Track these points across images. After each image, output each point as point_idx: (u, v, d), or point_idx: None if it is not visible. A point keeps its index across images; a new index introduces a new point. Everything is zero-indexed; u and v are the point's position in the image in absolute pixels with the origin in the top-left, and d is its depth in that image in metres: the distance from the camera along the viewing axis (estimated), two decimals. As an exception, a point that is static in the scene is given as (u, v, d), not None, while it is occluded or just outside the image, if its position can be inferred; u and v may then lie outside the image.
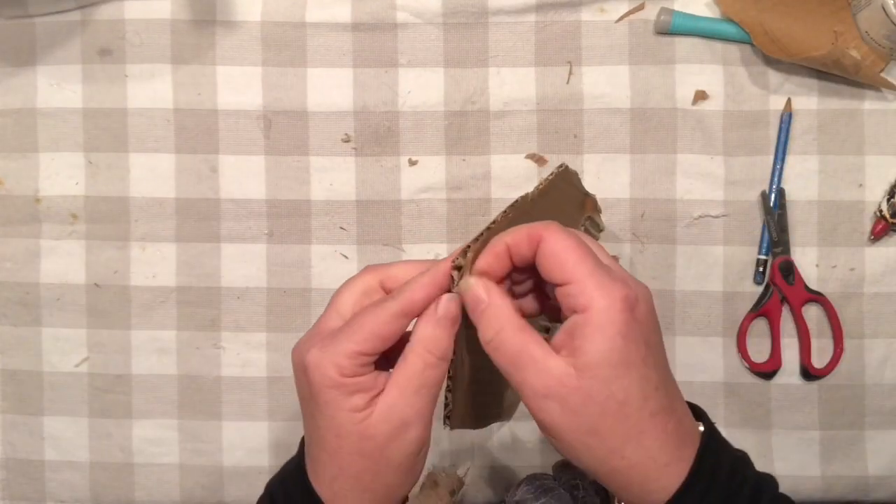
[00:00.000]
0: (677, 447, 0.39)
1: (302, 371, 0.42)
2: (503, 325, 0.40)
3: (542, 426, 0.39)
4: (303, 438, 0.45)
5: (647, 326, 0.40)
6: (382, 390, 0.41)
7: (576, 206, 0.58)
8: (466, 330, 0.45)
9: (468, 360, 0.47)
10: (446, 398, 0.45)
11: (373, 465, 0.41)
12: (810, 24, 0.60)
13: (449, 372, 0.43)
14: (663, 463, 0.39)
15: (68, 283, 0.64)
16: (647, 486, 0.39)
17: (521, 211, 0.46)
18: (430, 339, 0.41)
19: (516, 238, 0.41)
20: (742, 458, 0.42)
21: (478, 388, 0.50)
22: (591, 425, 0.38)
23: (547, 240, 0.40)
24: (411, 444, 0.41)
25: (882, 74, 0.61)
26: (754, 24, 0.60)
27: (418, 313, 0.41)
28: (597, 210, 0.60)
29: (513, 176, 0.63)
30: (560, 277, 0.39)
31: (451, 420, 0.46)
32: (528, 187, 0.62)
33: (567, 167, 0.55)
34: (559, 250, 0.39)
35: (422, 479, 0.55)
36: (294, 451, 0.64)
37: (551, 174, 0.52)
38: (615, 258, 0.45)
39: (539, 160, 0.63)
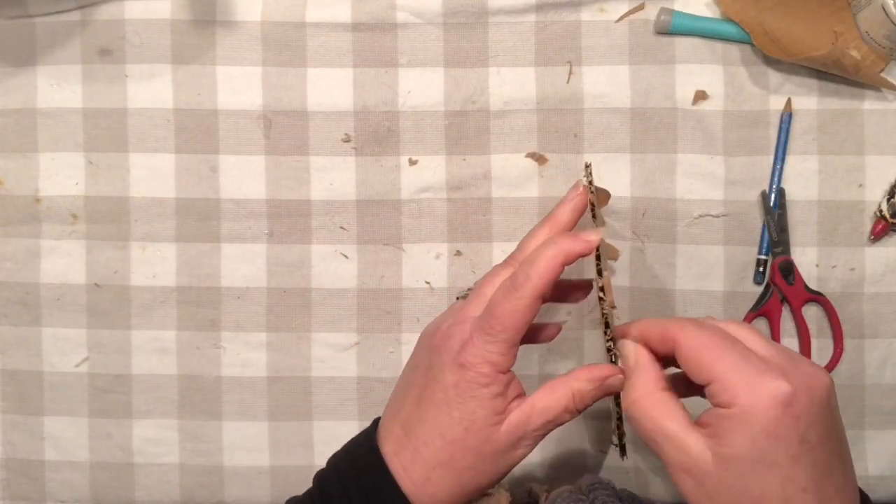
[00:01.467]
0: None
1: (453, 359, 0.44)
2: (641, 395, 0.42)
3: (680, 492, 0.40)
4: (376, 421, 0.47)
5: (805, 423, 0.38)
6: (516, 398, 0.44)
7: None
8: None
9: None
10: (618, 427, 0.48)
11: (480, 465, 0.44)
12: (810, 24, 0.60)
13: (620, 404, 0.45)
14: None
15: (68, 283, 0.64)
16: None
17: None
18: (581, 393, 0.44)
19: (649, 336, 0.43)
20: None
21: None
22: None
23: (681, 344, 0.41)
24: (518, 457, 0.44)
25: (882, 74, 0.61)
26: (754, 24, 0.61)
27: (546, 290, 0.44)
28: (607, 202, 0.60)
29: (513, 175, 0.63)
30: (701, 378, 0.40)
31: (624, 448, 0.48)
32: (529, 186, 0.63)
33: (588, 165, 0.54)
34: (695, 352, 0.40)
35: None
36: (293, 452, 0.65)
37: (588, 173, 0.52)
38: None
39: (539, 159, 0.63)
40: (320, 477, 0.47)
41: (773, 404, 0.37)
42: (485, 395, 0.43)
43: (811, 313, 0.62)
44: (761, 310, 0.62)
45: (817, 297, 0.62)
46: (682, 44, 0.62)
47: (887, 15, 0.58)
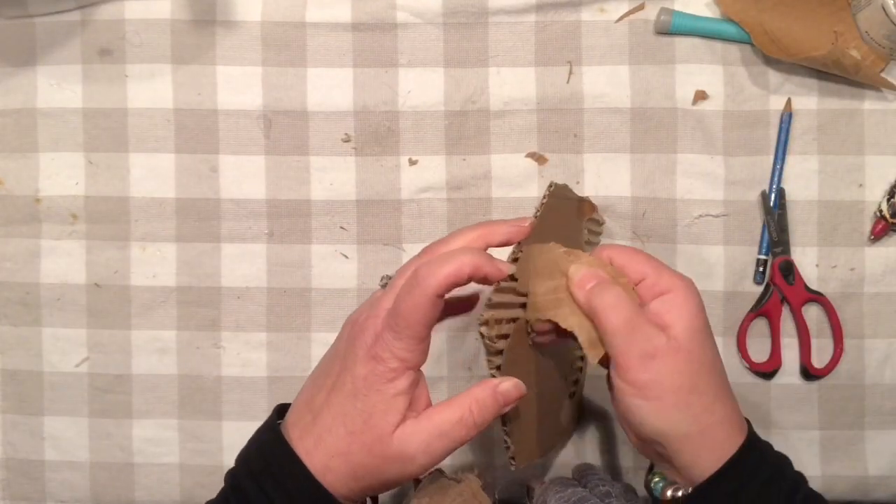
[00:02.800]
0: (741, 412, 0.46)
1: (369, 344, 0.44)
2: (621, 297, 0.45)
3: (645, 386, 0.44)
4: (280, 405, 0.48)
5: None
6: (421, 410, 0.45)
7: (573, 215, 0.59)
8: (539, 358, 0.50)
9: (535, 391, 0.50)
10: (505, 442, 0.48)
11: (375, 466, 0.44)
12: (810, 24, 0.60)
13: (506, 419, 0.47)
14: (737, 424, 0.45)
15: (68, 283, 0.64)
16: (727, 442, 0.44)
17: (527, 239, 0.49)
18: (479, 403, 0.44)
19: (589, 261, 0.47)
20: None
21: (542, 417, 0.53)
22: (692, 383, 0.44)
23: (614, 257, 0.47)
24: (414, 469, 0.44)
25: (882, 74, 0.61)
26: (754, 24, 0.61)
27: (445, 292, 0.44)
28: (594, 210, 0.61)
29: (513, 175, 0.63)
30: (634, 278, 0.46)
31: (515, 460, 0.49)
32: (529, 186, 0.63)
33: (556, 184, 0.55)
34: (627, 260, 0.47)
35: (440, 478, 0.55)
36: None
37: (544, 197, 0.52)
38: None
39: (539, 159, 0.63)
40: (231, 474, 0.46)
41: (693, 286, 0.46)
42: (388, 390, 0.43)
43: (811, 313, 0.62)
44: (761, 310, 0.62)
45: (817, 297, 0.62)
46: (682, 44, 0.62)
47: (887, 15, 0.58)
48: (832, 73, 0.61)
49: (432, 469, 0.50)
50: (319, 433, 0.44)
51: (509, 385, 0.45)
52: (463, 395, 0.44)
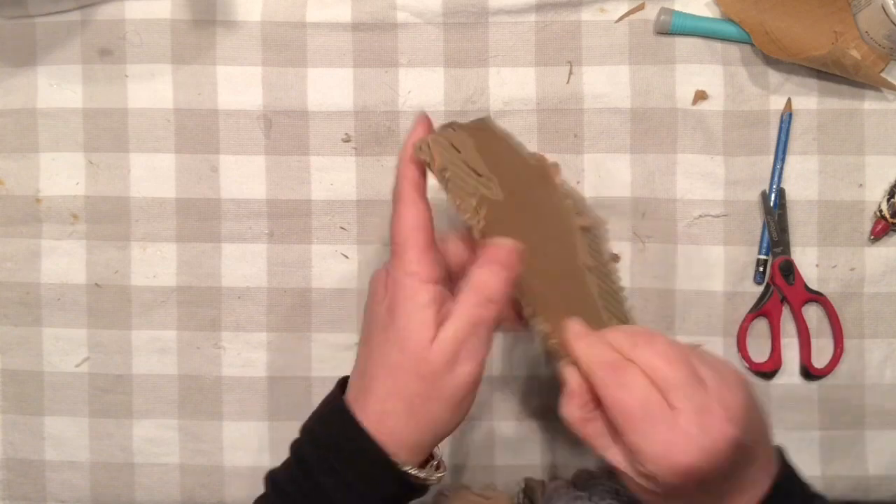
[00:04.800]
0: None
1: (383, 286, 0.45)
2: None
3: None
4: (341, 379, 0.48)
5: (712, 474, 0.41)
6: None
7: (537, 182, 0.53)
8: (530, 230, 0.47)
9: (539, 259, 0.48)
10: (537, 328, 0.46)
11: (425, 390, 0.43)
12: (810, 24, 0.60)
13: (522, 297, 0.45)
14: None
15: (69, 283, 0.64)
16: None
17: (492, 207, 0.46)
18: (479, 280, 0.43)
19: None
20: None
21: (563, 288, 0.50)
22: None
23: (605, 405, 0.43)
24: (462, 378, 0.43)
25: (882, 74, 0.61)
26: (754, 24, 0.61)
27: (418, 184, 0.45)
28: (591, 219, 0.54)
29: (513, 176, 0.63)
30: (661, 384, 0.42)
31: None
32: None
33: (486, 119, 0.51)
34: (613, 414, 0.42)
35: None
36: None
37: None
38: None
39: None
40: (295, 443, 0.47)
41: (676, 476, 0.40)
42: (411, 307, 0.43)
43: (811, 313, 0.62)
44: (761, 310, 0.62)
45: (817, 297, 0.62)
46: (682, 44, 0.62)
47: (887, 15, 0.58)
48: (832, 73, 0.61)
49: (459, 486, 0.50)
50: (368, 385, 0.44)
51: (494, 248, 0.44)
52: (463, 283, 0.44)
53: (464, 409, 0.45)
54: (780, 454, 0.45)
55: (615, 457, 0.43)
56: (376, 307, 0.46)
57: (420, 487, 0.45)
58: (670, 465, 0.40)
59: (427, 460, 0.46)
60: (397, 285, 0.44)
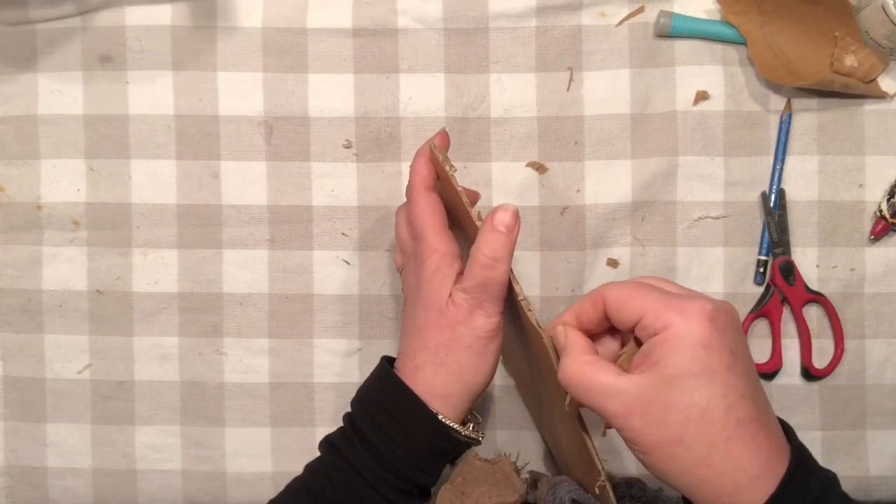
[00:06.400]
0: (768, 459, 0.40)
1: (412, 269, 0.51)
2: (570, 363, 0.43)
3: (630, 444, 0.42)
4: (386, 357, 0.52)
5: (730, 336, 0.41)
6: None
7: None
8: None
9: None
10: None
11: (447, 340, 0.48)
12: (811, 26, 0.60)
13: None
14: (754, 474, 0.39)
15: (70, 290, 0.64)
16: (736, 497, 0.40)
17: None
18: (485, 243, 0.47)
19: (582, 311, 0.46)
20: (832, 480, 0.42)
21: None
22: (675, 434, 0.40)
23: (608, 297, 0.44)
24: (479, 328, 0.48)
25: (882, 75, 0.61)
26: (754, 28, 0.61)
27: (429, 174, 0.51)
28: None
29: (513, 184, 0.63)
30: (631, 317, 0.42)
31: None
32: (530, 195, 0.63)
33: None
34: (621, 299, 0.43)
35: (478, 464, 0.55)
36: (296, 458, 0.65)
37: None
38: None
39: (540, 168, 0.63)
40: (348, 412, 0.51)
41: (702, 318, 0.40)
42: (433, 275, 0.48)
43: (812, 314, 0.62)
44: (762, 310, 0.62)
45: (818, 298, 0.62)
46: (682, 46, 0.62)
47: (887, 15, 0.58)
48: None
49: (467, 452, 0.52)
50: (403, 349, 0.50)
51: (501, 213, 0.47)
52: (475, 242, 0.48)
53: (487, 361, 0.49)
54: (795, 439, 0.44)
55: (604, 373, 0.43)
56: (408, 290, 0.52)
57: (457, 443, 0.49)
58: (699, 306, 0.40)
59: (464, 422, 0.50)
60: (421, 262, 0.49)
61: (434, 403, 0.48)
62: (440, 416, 0.48)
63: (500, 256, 0.47)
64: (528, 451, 0.63)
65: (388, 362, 0.51)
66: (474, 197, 0.57)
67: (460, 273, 0.49)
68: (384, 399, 0.49)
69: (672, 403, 0.40)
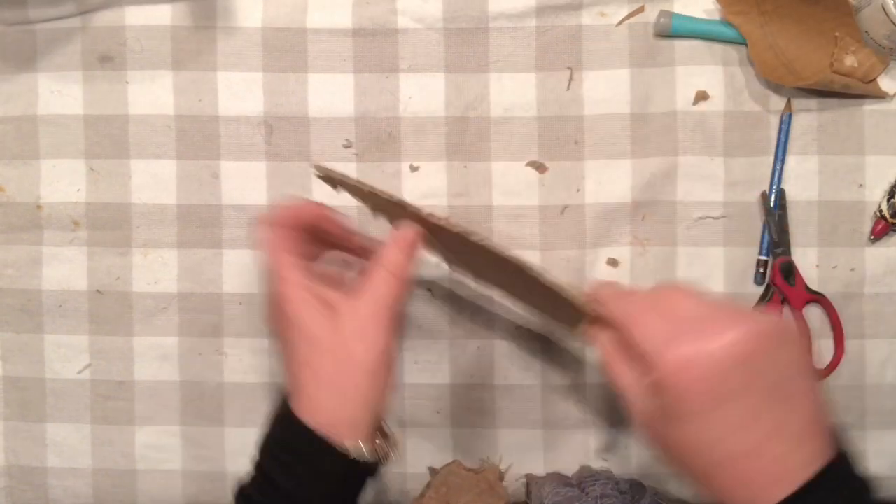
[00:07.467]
0: (774, 479, 0.41)
1: (275, 304, 0.48)
2: (605, 354, 0.48)
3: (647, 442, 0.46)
4: (282, 396, 0.48)
5: (712, 383, 0.41)
6: (347, 296, 0.47)
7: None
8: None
9: None
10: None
11: (343, 365, 0.46)
12: (811, 26, 0.60)
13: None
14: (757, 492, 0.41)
15: (70, 290, 0.64)
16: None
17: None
18: (390, 259, 0.47)
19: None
20: (858, 490, 0.43)
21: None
22: (677, 460, 0.44)
23: (618, 319, 0.47)
24: (374, 345, 0.46)
25: (882, 75, 0.61)
26: (754, 28, 0.61)
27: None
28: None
29: (513, 183, 0.63)
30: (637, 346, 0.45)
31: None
32: (530, 195, 0.63)
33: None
34: (623, 325, 0.46)
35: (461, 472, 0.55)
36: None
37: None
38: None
39: (540, 167, 0.63)
40: (256, 459, 0.49)
41: (676, 371, 0.41)
42: (299, 305, 0.47)
43: (812, 314, 0.62)
44: (762, 311, 0.62)
45: (818, 298, 0.62)
46: (682, 46, 0.62)
47: (887, 15, 0.58)
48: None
49: (451, 461, 0.51)
50: (294, 384, 0.47)
51: (403, 230, 0.49)
52: (373, 261, 0.48)
53: (384, 378, 0.47)
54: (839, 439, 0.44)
55: (625, 378, 0.46)
56: (276, 325, 0.49)
57: (367, 466, 0.47)
58: (671, 354, 0.42)
59: (375, 440, 0.48)
60: (281, 297, 0.47)
61: (341, 431, 0.45)
62: (339, 444, 0.45)
63: (403, 273, 0.48)
64: (529, 451, 0.63)
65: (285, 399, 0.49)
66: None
67: (322, 294, 0.48)
68: (283, 438, 0.47)
69: (667, 437, 0.43)
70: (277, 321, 0.49)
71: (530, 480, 0.62)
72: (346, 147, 0.63)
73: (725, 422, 0.41)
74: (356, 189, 0.52)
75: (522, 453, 0.63)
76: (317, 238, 0.53)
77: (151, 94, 0.64)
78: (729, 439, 0.41)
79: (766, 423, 0.41)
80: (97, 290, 0.64)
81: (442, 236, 0.50)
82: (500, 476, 0.56)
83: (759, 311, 0.45)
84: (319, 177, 0.53)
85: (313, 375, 0.46)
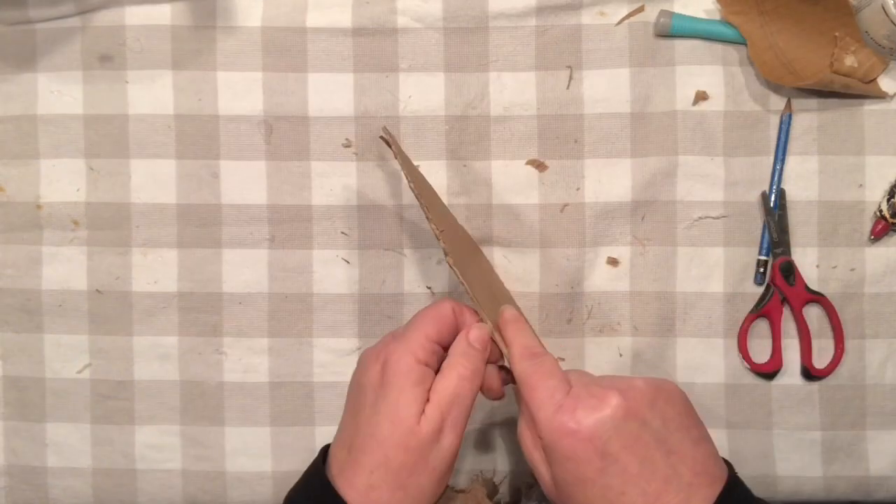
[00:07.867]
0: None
1: (379, 362, 0.48)
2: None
3: None
4: (324, 447, 0.49)
5: (601, 441, 0.44)
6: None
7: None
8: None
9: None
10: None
11: (413, 462, 0.46)
12: (811, 26, 0.60)
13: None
14: None
15: (70, 290, 0.64)
16: None
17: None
18: (462, 357, 0.48)
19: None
20: None
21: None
22: None
23: (516, 373, 0.49)
24: (446, 449, 0.47)
25: (882, 75, 0.61)
26: (754, 27, 0.61)
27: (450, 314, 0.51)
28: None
29: (513, 182, 0.63)
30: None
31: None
32: (530, 193, 0.63)
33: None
34: (522, 388, 0.48)
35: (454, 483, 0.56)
36: (296, 457, 0.65)
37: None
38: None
39: (540, 166, 0.63)
40: None
41: (562, 436, 0.44)
42: (405, 383, 0.46)
43: (812, 314, 0.62)
44: (762, 311, 0.62)
45: (818, 298, 0.62)
46: (682, 46, 0.62)
47: (887, 15, 0.58)
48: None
49: None
50: (356, 458, 0.46)
51: (477, 331, 0.49)
52: (448, 359, 0.49)
53: (445, 481, 0.48)
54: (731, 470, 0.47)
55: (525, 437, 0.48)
56: (366, 381, 0.48)
57: None
58: (559, 425, 0.44)
59: None
60: (395, 362, 0.47)
61: None
62: None
63: (477, 370, 0.48)
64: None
65: (325, 455, 0.49)
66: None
67: (430, 383, 0.48)
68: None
69: (574, 499, 0.45)
70: (369, 382, 0.48)
71: (523, 486, 0.62)
72: (346, 146, 0.63)
73: (625, 474, 0.43)
74: (407, 163, 0.52)
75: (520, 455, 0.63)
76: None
77: (151, 94, 0.64)
78: (630, 491, 0.43)
79: (662, 471, 0.44)
80: (97, 290, 0.64)
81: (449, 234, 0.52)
82: (494, 490, 0.57)
83: (648, 377, 0.48)
84: (382, 137, 0.55)
85: (381, 461, 0.46)
